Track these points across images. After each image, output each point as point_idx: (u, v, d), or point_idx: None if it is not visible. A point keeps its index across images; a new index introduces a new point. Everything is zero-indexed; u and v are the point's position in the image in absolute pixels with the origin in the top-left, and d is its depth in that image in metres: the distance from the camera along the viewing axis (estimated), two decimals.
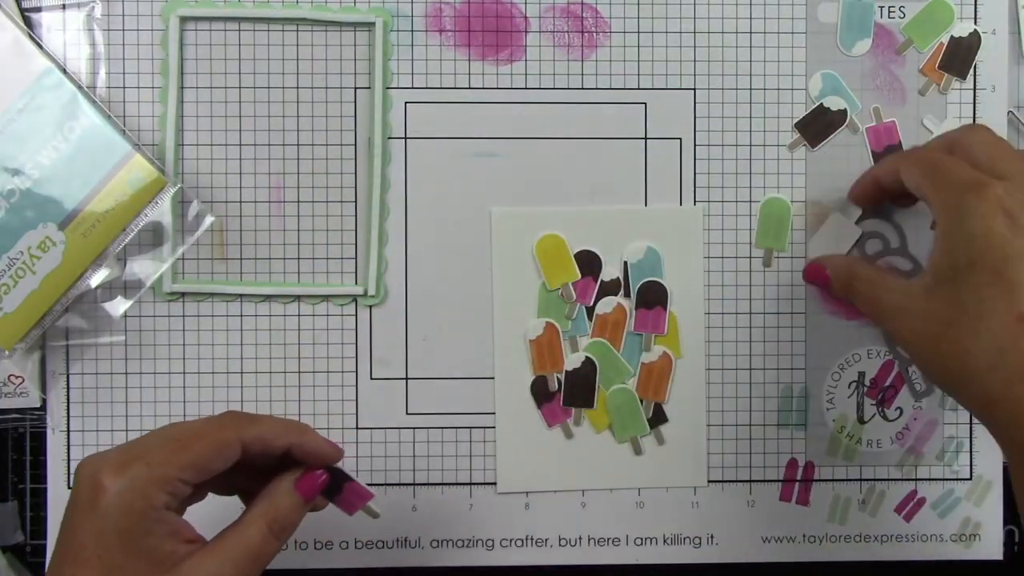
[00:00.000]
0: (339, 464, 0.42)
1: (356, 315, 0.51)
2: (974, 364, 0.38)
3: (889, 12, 0.51)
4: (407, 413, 0.51)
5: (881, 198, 0.49)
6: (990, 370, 0.38)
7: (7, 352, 0.47)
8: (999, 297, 0.38)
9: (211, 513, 0.42)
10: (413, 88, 0.50)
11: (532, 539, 0.51)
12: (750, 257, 0.51)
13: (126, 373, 0.50)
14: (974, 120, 0.51)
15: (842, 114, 0.51)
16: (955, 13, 0.51)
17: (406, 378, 0.51)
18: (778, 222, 0.51)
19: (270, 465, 0.41)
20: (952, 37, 0.51)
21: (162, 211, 0.49)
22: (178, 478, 0.38)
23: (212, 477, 0.39)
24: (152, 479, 0.37)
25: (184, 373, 0.50)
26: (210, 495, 0.42)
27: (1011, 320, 0.37)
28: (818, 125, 0.51)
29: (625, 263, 0.51)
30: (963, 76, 0.51)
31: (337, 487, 0.42)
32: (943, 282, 0.40)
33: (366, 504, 0.43)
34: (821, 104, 0.51)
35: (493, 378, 0.51)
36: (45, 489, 0.50)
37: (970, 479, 0.52)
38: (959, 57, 0.51)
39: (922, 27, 0.51)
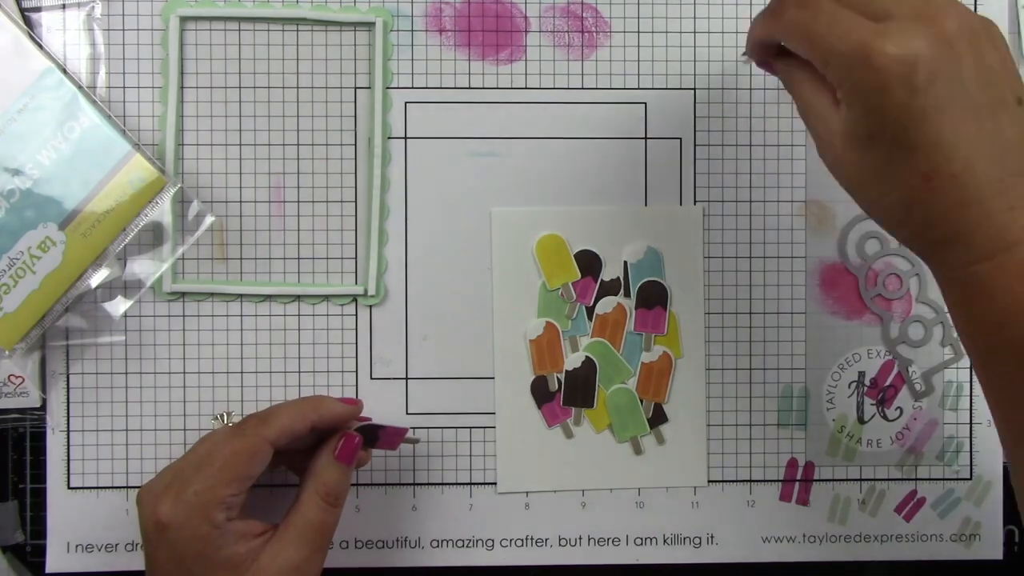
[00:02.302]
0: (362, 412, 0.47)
1: (356, 315, 0.51)
2: (890, 215, 0.38)
3: None
4: (407, 413, 0.51)
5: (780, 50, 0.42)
6: (899, 225, 0.38)
7: (7, 352, 0.47)
8: (903, 161, 0.37)
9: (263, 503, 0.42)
10: (413, 88, 0.50)
11: (532, 539, 0.51)
12: (750, 257, 0.51)
13: (126, 373, 0.50)
14: None
15: None
16: None
17: (406, 378, 0.51)
18: None
19: (308, 442, 0.46)
20: None
21: (162, 211, 0.49)
22: (227, 495, 0.42)
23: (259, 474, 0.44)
24: (204, 504, 0.41)
25: (184, 373, 0.50)
26: None
27: (918, 181, 0.37)
28: None
29: (625, 263, 0.51)
30: None
31: (373, 438, 0.46)
32: (851, 139, 0.38)
33: (404, 438, 0.48)
34: None
35: (493, 378, 0.51)
36: (45, 489, 0.50)
37: (970, 479, 0.52)
38: None
39: None
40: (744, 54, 0.46)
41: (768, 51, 0.41)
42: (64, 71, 0.47)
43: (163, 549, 0.42)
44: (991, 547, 0.52)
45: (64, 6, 0.49)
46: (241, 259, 0.50)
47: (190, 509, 0.41)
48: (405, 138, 0.50)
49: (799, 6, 0.39)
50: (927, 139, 0.36)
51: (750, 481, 0.52)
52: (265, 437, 0.43)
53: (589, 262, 0.51)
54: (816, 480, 0.52)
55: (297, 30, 0.50)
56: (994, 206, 0.36)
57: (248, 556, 0.42)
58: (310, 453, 0.46)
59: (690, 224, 0.51)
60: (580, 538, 0.51)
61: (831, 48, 0.37)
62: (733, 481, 0.51)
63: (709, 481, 0.51)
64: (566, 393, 0.51)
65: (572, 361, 0.51)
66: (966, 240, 0.36)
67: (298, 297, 0.50)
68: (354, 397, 0.50)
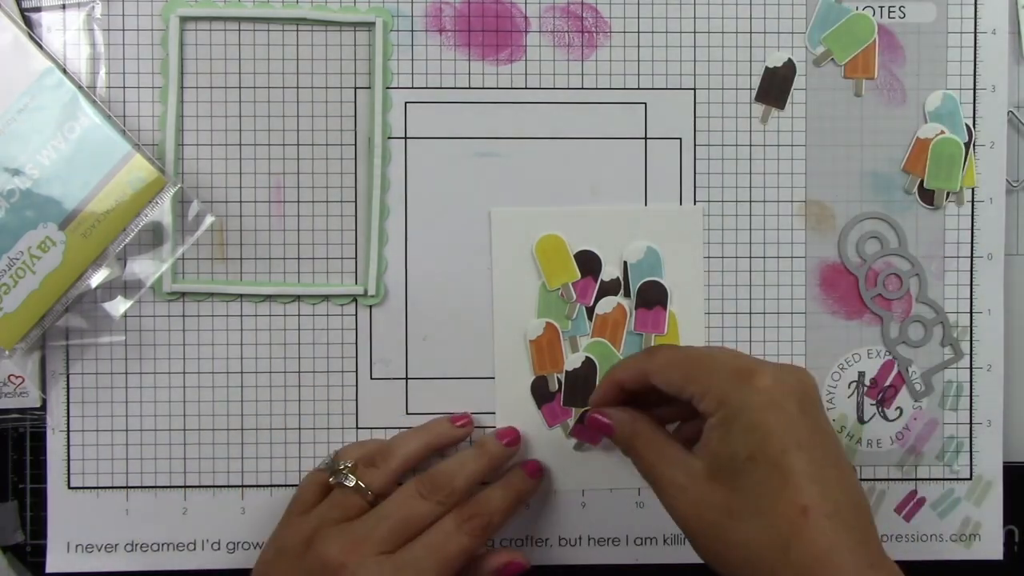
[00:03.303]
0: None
1: (356, 315, 0.51)
2: (758, 558, 0.37)
3: (889, 12, 0.51)
4: (407, 413, 0.51)
5: (625, 401, 0.45)
6: (777, 566, 0.36)
7: (7, 352, 0.47)
8: (780, 489, 0.37)
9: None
10: (413, 88, 0.50)
11: (532, 539, 0.51)
12: (750, 257, 0.51)
13: (126, 373, 0.50)
14: (974, 122, 0.51)
15: (789, 65, 0.50)
16: (874, 28, 0.51)
17: (406, 378, 0.51)
18: (949, 161, 0.51)
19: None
20: (767, 68, 0.51)
21: (162, 211, 0.49)
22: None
23: None
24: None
25: (184, 373, 0.50)
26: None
27: (795, 513, 0.36)
28: (774, 87, 0.51)
29: (625, 263, 0.51)
30: (781, 106, 0.51)
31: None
32: (724, 471, 0.38)
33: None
34: (765, 67, 0.50)
35: (493, 378, 0.51)
36: (45, 489, 0.50)
37: (970, 479, 0.52)
38: (776, 87, 0.51)
39: (841, 39, 0.51)
40: (569, 435, 0.50)
41: (616, 396, 0.44)
42: (64, 71, 0.47)
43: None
44: (991, 547, 0.52)
45: (64, 6, 0.49)
46: (241, 259, 0.50)
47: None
48: (405, 138, 0.50)
49: (672, 348, 0.44)
50: (806, 468, 0.37)
51: None
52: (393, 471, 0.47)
53: (589, 262, 0.51)
54: None
55: (297, 30, 0.50)
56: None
57: None
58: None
59: (690, 224, 0.51)
60: (580, 538, 0.51)
61: (718, 370, 0.40)
62: None
63: None
64: (566, 393, 0.51)
65: (572, 361, 0.51)
66: None
67: (298, 297, 0.50)
68: (468, 414, 0.51)
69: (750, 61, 0.51)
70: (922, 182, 0.51)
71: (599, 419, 0.44)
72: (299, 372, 0.50)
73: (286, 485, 0.50)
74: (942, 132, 0.51)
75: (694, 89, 0.51)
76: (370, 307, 0.51)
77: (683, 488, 0.40)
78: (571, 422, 0.51)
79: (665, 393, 0.42)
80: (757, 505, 0.37)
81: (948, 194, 0.51)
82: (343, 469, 0.46)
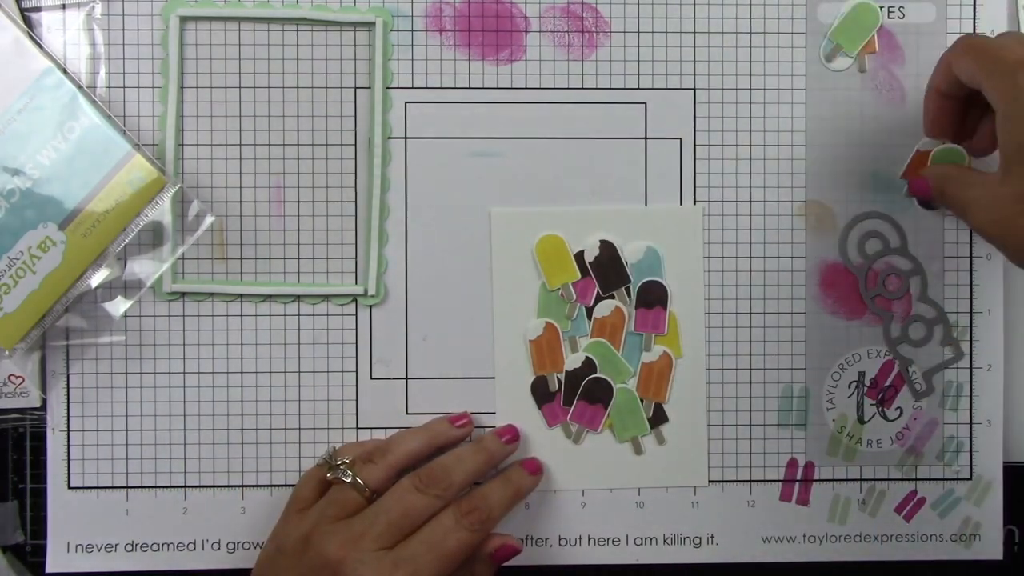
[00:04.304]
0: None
1: (356, 315, 0.51)
2: None
3: (889, 12, 0.51)
4: (407, 413, 0.51)
5: (952, 111, 0.47)
6: None
7: (7, 352, 0.47)
8: None
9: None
10: (413, 88, 0.50)
11: (532, 539, 0.51)
12: (750, 257, 0.51)
13: (126, 373, 0.50)
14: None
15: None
16: (879, 14, 0.51)
17: (406, 378, 0.51)
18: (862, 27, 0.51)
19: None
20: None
21: (162, 211, 0.49)
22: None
23: None
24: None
25: (184, 373, 0.50)
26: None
27: None
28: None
29: (625, 263, 0.51)
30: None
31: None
32: (1013, 163, 0.41)
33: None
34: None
35: (493, 378, 0.51)
36: (45, 489, 0.50)
37: (970, 479, 0.52)
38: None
39: (849, 31, 0.51)
40: (906, 193, 0.51)
41: (940, 105, 0.46)
42: (64, 71, 0.47)
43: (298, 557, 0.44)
44: (991, 547, 0.52)
45: (64, 6, 0.49)
46: (241, 259, 0.50)
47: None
48: (405, 138, 0.50)
49: (968, 37, 0.44)
50: None
51: (750, 481, 0.52)
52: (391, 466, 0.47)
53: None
54: (816, 480, 0.52)
55: (297, 30, 0.50)
56: None
57: None
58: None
59: (690, 224, 0.51)
60: (580, 538, 0.51)
61: (1002, 59, 0.41)
62: (733, 481, 0.51)
63: (709, 481, 0.51)
64: (566, 393, 0.51)
65: (572, 361, 0.51)
66: None
67: (298, 297, 0.50)
68: (467, 414, 0.51)
69: (750, 61, 0.51)
70: None
71: (920, 180, 0.47)
72: (299, 372, 0.50)
73: (286, 485, 0.50)
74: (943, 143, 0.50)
75: (694, 89, 0.51)
76: (370, 307, 0.51)
77: (979, 199, 0.42)
78: (571, 424, 0.51)
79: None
80: None
81: None
82: (340, 465, 0.46)
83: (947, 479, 0.52)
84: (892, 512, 0.52)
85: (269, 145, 0.50)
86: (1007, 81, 0.40)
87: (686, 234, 0.51)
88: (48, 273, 0.47)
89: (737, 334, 0.51)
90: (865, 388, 0.52)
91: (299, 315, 0.50)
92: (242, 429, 0.50)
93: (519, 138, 0.51)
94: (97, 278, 0.48)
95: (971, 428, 0.52)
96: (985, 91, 0.42)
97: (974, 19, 0.51)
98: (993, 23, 0.51)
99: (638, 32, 0.51)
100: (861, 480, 0.52)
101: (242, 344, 0.50)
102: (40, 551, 0.51)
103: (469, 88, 0.50)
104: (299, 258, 0.50)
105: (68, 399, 0.50)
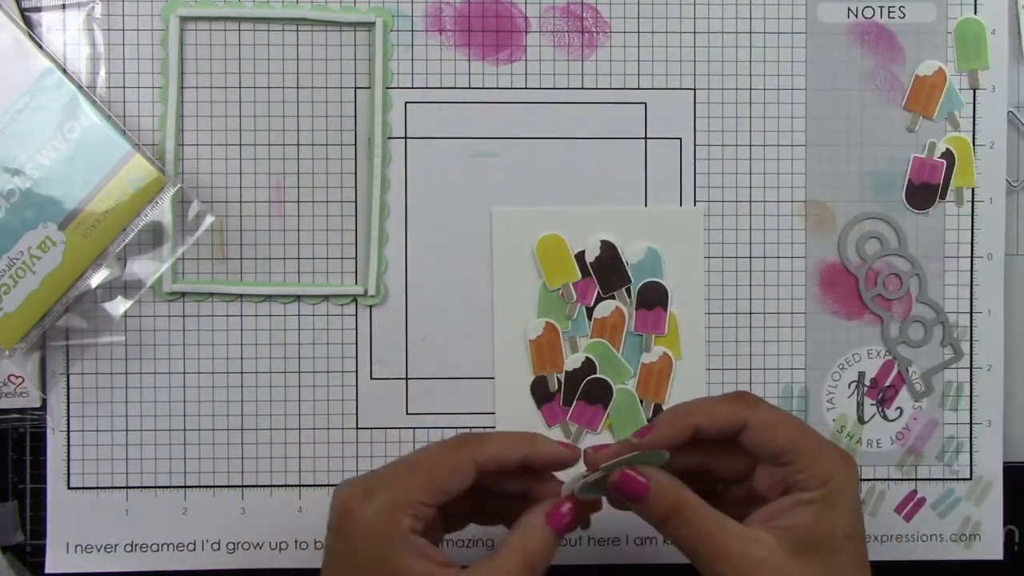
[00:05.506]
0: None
1: (356, 315, 0.51)
2: None
3: (889, 12, 0.51)
4: (407, 413, 0.51)
5: (688, 445, 0.40)
6: None
7: (7, 352, 0.47)
8: (867, 570, 0.39)
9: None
10: (413, 88, 0.50)
11: None
12: (750, 257, 0.51)
13: (126, 373, 0.50)
14: (974, 122, 0.51)
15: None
16: (984, 25, 0.51)
17: (406, 378, 0.51)
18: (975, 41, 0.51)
19: (513, 486, 0.42)
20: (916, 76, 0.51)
21: (162, 211, 0.49)
22: (419, 501, 0.39)
23: (457, 500, 0.40)
24: (395, 503, 0.38)
25: (184, 373, 0.50)
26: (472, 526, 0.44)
27: None
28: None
29: (626, 263, 0.51)
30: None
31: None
32: (815, 548, 0.38)
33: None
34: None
35: (493, 378, 0.51)
36: (45, 489, 0.50)
37: (970, 479, 0.52)
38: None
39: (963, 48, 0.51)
40: (577, 491, 0.40)
41: (680, 439, 0.40)
42: (64, 71, 0.47)
43: (341, 543, 0.39)
44: (991, 547, 0.52)
45: (64, 6, 0.49)
46: (241, 259, 0.50)
47: (378, 506, 0.39)
48: (405, 138, 0.50)
49: (774, 407, 0.41)
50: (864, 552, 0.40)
51: None
52: (472, 456, 0.40)
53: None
54: None
55: (297, 30, 0.50)
56: None
57: None
58: (516, 504, 0.41)
59: (690, 224, 0.51)
60: (580, 538, 0.51)
61: (831, 447, 0.40)
62: None
63: None
64: (566, 393, 0.51)
65: (572, 361, 0.51)
66: None
67: (298, 297, 0.50)
68: (572, 444, 0.44)
69: (750, 61, 0.51)
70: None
71: (634, 478, 0.39)
72: (299, 372, 0.50)
73: (286, 485, 0.50)
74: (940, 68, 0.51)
75: (694, 89, 0.51)
76: (370, 307, 0.51)
77: (760, 562, 0.37)
78: (571, 424, 0.51)
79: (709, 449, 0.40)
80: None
81: (946, 194, 0.51)
82: None
83: (947, 479, 0.52)
84: (892, 512, 0.52)
85: (269, 145, 0.50)
86: (841, 470, 0.39)
87: (686, 235, 0.51)
88: (48, 273, 0.47)
89: (737, 334, 0.51)
90: (865, 388, 0.52)
91: (299, 315, 0.50)
92: (242, 429, 0.50)
93: (519, 138, 0.51)
94: (97, 278, 0.48)
95: (971, 428, 0.52)
96: (804, 468, 0.39)
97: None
98: (993, 23, 0.51)
99: (638, 32, 0.51)
100: (861, 480, 0.52)
101: (242, 344, 0.50)
102: (40, 551, 0.51)
103: (469, 88, 0.50)
104: (299, 258, 0.50)
105: (68, 399, 0.50)
